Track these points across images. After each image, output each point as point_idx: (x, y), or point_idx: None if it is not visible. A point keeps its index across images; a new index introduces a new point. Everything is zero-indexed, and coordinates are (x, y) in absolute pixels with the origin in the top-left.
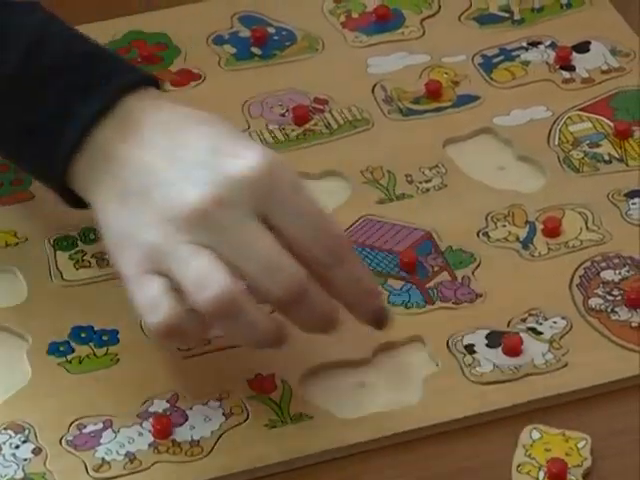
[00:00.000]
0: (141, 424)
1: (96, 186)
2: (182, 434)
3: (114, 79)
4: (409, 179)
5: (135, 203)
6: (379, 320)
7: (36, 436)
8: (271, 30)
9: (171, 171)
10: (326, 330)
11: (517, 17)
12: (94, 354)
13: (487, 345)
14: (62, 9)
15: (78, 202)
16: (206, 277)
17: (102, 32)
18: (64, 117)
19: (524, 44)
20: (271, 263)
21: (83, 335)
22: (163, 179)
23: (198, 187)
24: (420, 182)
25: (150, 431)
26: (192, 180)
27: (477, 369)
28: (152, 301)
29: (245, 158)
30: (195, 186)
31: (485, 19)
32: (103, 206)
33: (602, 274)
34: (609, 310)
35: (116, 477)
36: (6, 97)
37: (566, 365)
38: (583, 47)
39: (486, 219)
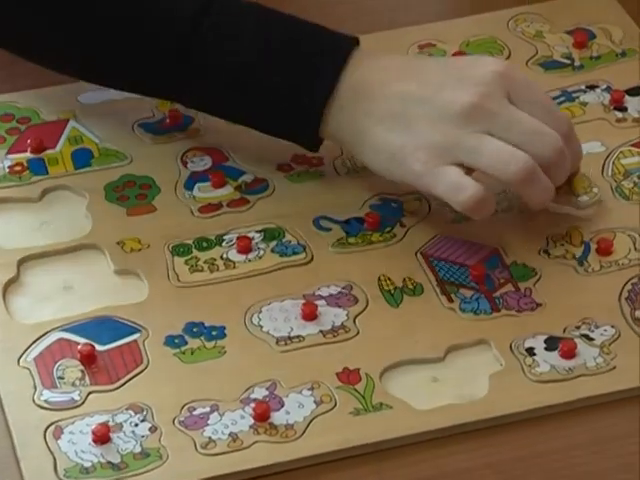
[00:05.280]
0: (243, 408)
1: (350, 123)
2: (279, 418)
3: (340, 43)
4: None
5: (402, 122)
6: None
7: (153, 416)
8: None
9: (426, 91)
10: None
11: (577, 64)
12: (204, 346)
13: (545, 348)
14: None
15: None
16: (508, 155)
17: None
18: (310, 77)
19: (583, 87)
20: (538, 130)
21: (195, 330)
22: (420, 98)
23: (461, 91)
24: None
25: (251, 415)
26: (451, 89)
27: (536, 369)
28: (455, 185)
29: (484, 64)
30: (458, 91)
31: (549, 65)
32: (365, 135)
33: None
34: None
35: (221, 454)
36: (253, 72)
37: (614, 368)
38: (635, 91)
39: (547, 239)
